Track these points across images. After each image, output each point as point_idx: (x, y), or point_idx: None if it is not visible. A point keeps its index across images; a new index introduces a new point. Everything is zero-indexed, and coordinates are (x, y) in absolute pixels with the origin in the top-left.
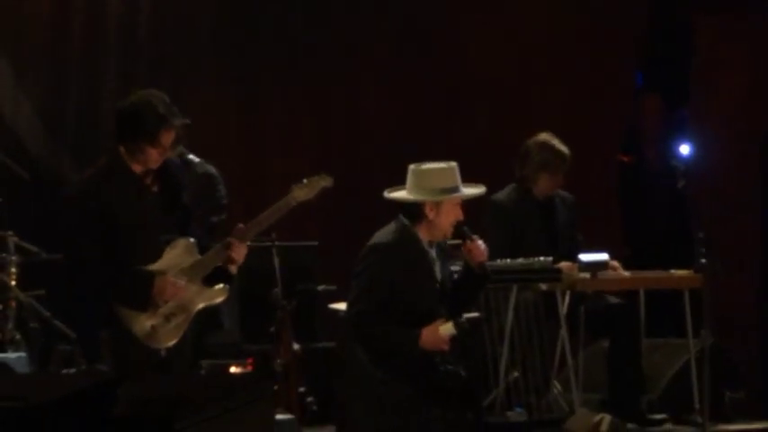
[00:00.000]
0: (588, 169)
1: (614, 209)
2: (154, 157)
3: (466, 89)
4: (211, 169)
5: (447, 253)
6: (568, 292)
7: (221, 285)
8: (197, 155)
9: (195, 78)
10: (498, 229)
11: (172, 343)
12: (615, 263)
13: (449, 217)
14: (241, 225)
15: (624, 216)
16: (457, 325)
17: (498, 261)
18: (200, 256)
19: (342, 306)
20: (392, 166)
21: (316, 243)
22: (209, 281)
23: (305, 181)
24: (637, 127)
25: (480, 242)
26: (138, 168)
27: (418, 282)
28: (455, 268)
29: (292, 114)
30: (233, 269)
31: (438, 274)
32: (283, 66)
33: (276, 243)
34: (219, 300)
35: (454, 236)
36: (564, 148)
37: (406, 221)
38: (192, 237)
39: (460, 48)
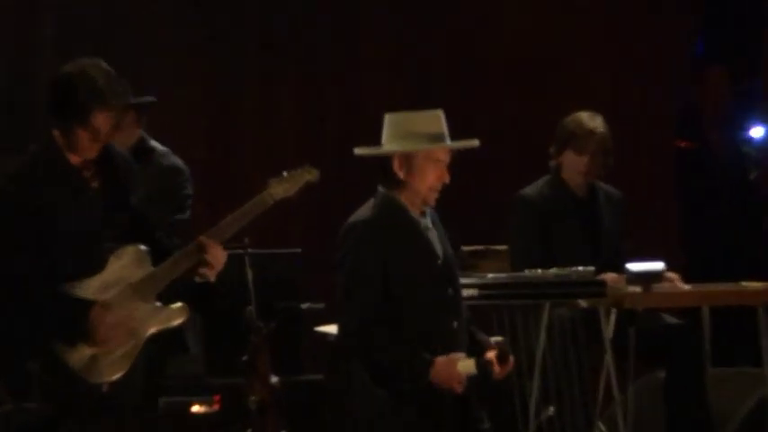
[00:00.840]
0: (637, 159)
1: (670, 207)
2: (84, 144)
3: (486, 67)
4: (178, 162)
5: (440, 222)
6: (614, 310)
7: (180, 304)
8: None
9: (151, 54)
10: (526, 231)
11: (117, 376)
12: (673, 274)
13: (425, 177)
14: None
15: (682, 215)
16: (481, 365)
17: (527, 272)
18: (152, 268)
19: (331, 329)
20: None
21: (299, 251)
22: (171, 297)
23: (285, 174)
24: (697, 106)
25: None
26: (75, 159)
27: (415, 259)
28: (471, 280)
29: (271, 97)
30: (210, 275)
31: (438, 249)
32: (259, 38)
33: (250, 250)
34: (178, 322)
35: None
36: (596, 124)
37: (385, 191)
38: (146, 243)
39: (478, 16)
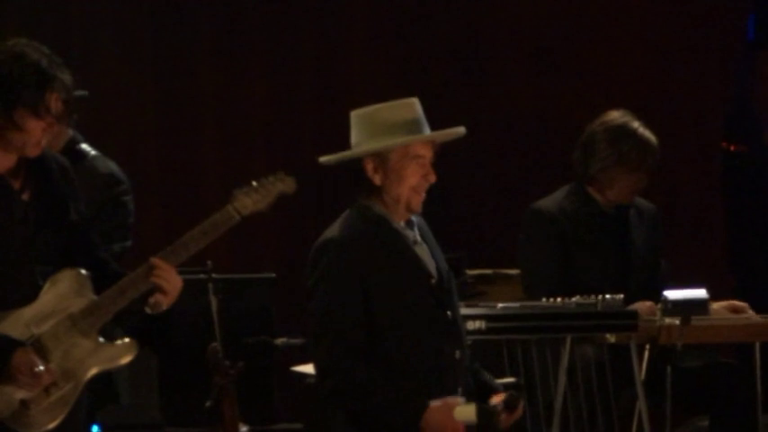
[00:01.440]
0: (677, 165)
1: (716, 221)
2: (35, 136)
3: (495, 54)
4: (115, 168)
5: (431, 233)
6: (648, 347)
7: (127, 340)
8: (94, 146)
9: (96, 39)
10: (543, 251)
11: (52, 425)
12: (740, 303)
13: (403, 179)
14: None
15: (730, 231)
16: (482, 412)
17: (543, 300)
18: (94, 297)
19: (311, 369)
20: None
21: (273, 275)
22: (116, 331)
23: (254, 184)
24: (748, 101)
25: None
26: (1, 164)
27: (402, 280)
28: (478, 311)
29: (238, 89)
30: (163, 303)
31: (429, 264)
32: (224, 16)
33: (213, 275)
34: (125, 361)
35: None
36: (649, 134)
37: (362, 201)
38: (87, 266)
39: None
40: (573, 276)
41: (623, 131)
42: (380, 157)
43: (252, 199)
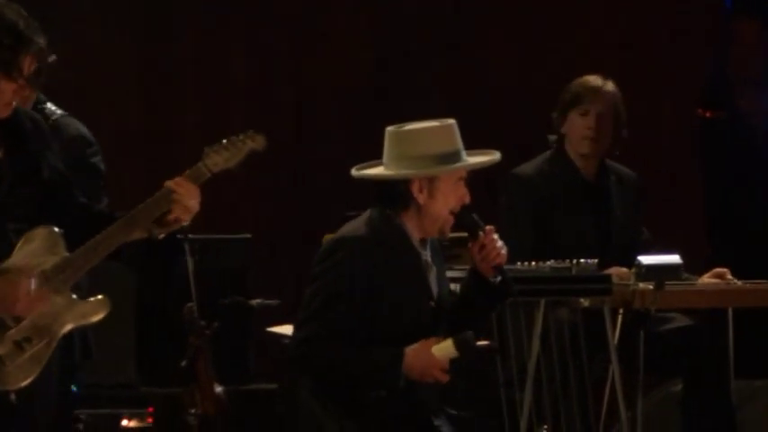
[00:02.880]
0: (654, 132)
1: (692, 188)
2: (6, 97)
3: (482, 26)
4: (83, 129)
5: (441, 256)
6: (621, 311)
7: (100, 297)
8: (75, 109)
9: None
10: (520, 215)
11: (27, 382)
12: (721, 269)
13: (448, 199)
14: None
15: (707, 198)
16: (459, 343)
17: (518, 264)
18: (66, 253)
19: (287, 329)
20: (367, 126)
21: (248, 236)
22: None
23: (224, 142)
24: (725, 67)
25: (496, 236)
26: None
27: (406, 295)
28: (455, 273)
29: (217, 49)
30: (184, 218)
31: (434, 288)
32: None
33: (189, 236)
34: (98, 317)
35: (456, 227)
36: (602, 81)
37: (386, 210)
38: (67, 218)
39: None
40: (549, 240)
41: (582, 81)
42: (429, 180)
43: (222, 156)
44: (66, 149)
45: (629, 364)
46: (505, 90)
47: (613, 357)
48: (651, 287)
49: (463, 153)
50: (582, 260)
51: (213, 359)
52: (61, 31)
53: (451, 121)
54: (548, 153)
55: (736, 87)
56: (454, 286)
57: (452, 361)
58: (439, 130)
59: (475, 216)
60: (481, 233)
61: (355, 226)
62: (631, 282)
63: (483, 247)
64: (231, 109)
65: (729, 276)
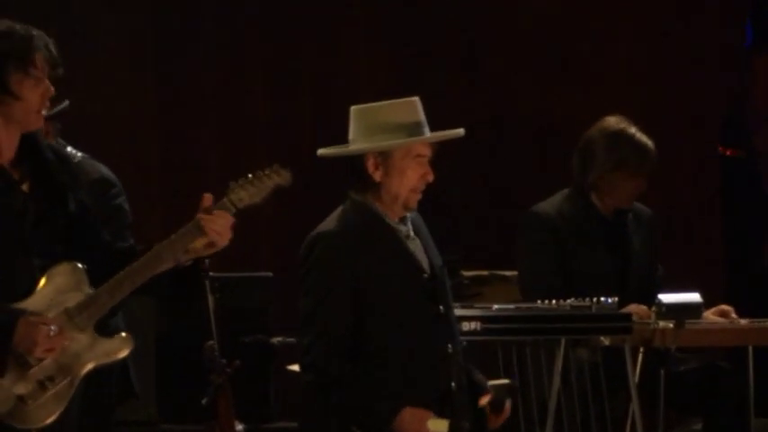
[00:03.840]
0: (672, 169)
1: (712, 226)
2: (34, 102)
3: (496, 55)
4: (105, 171)
5: (425, 227)
6: (642, 349)
7: (123, 334)
8: (83, 146)
9: (98, 40)
10: (540, 253)
11: (49, 421)
12: (726, 306)
13: (405, 177)
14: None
15: (726, 237)
16: (455, 429)
17: (539, 303)
18: (90, 290)
19: None
20: None
21: (269, 274)
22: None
23: (249, 177)
24: (745, 104)
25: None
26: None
27: (395, 274)
28: (476, 312)
29: (239, 89)
30: (218, 244)
31: (422, 260)
32: (225, 15)
33: (211, 274)
34: (121, 355)
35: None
36: (646, 139)
37: (356, 196)
38: (91, 253)
39: None
40: (569, 279)
41: (621, 137)
42: (383, 155)
43: (248, 192)
44: (89, 192)
45: (649, 403)
46: (524, 120)
47: (633, 396)
48: (671, 326)
49: (425, 128)
50: (602, 299)
51: (234, 397)
52: (85, 71)
53: (414, 97)
54: (566, 191)
55: (756, 126)
56: (475, 324)
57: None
58: (400, 103)
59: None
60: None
61: (327, 221)
62: (652, 320)
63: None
64: (252, 144)
65: (734, 315)
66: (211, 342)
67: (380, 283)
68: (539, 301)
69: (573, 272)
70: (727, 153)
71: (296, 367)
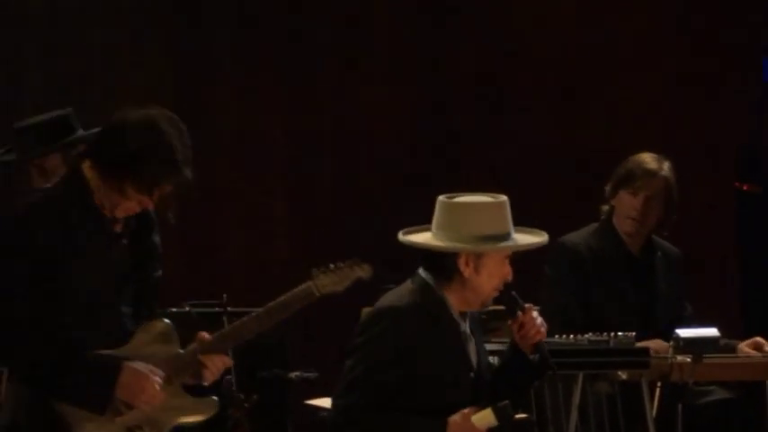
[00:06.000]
0: (689, 204)
1: (728, 262)
2: (130, 207)
3: (519, 93)
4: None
5: (480, 328)
6: (659, 384)
7: (213, 397)
8: None
9: (116, 68)
10: (565, 285)
11: None
12: (761, 340)
13: (492, 276)
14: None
15: (744, 273)
16: (498, 412)
17: (556, 337)
18: (178, 349)
19: (325, 402)
20: (408, 188)
21: None
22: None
23: (332, 267)
24: (762, 139)
25: (536, 313)
26: (108, 210)
27: (445, 366)
28: (493, 346)
29: (257, 128)
30: (207, 378)
31: (473, 359)
32: (244, 48)
33: (228, 309)
34: (206, 416)
35: (496, 302)
36: (659, 163)
37: (428, 279)
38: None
39: (506, 21)
40: (591, 312)
41: (639, 160)
42: (478, 255)
43: (331, 279)
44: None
45: None
46: (543, 159)
47: (651, 430)
48: (689, 360)
49: (512, 232)
50: (620, 333)
51: (252, 431)
52: (103, 98)
53: (503, 198)
54: (595, 225)
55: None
56: (493, 359)
57: (490, 430)
58: (491, 207)
59: (515, 294)
60: (520, 312)
61: (396, 296)
62: (669, 355)
63: (522, 325)
64: (270, 184)
65: (750, 350)
66: (229, 377)
67: (431, 370)
68: (556, 336)
69: (596, 305)
70: (744, 188)
71: (314, 402)
